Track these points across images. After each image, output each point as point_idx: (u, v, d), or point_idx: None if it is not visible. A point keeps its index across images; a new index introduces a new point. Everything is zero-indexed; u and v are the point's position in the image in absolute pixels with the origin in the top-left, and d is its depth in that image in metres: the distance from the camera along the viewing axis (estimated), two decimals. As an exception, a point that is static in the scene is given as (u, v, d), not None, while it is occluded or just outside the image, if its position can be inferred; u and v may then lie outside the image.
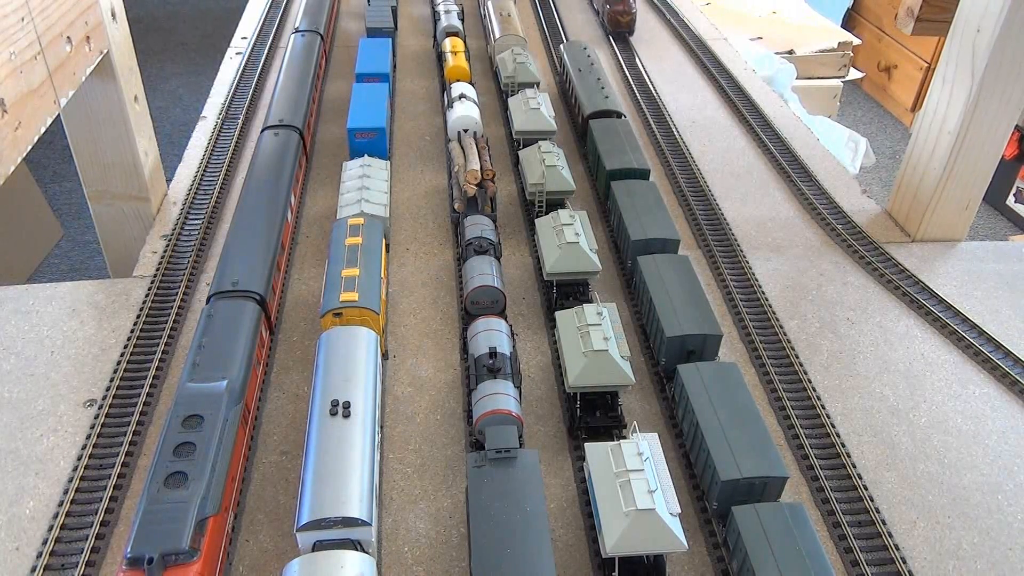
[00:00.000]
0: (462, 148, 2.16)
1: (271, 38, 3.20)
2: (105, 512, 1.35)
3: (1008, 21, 1.80)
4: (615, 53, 3.19)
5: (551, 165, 2.01)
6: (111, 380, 1.61)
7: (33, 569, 1.26)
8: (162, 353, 1.67)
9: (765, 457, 1.30)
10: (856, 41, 4.56)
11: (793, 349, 1.73)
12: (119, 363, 1.65)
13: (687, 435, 1.45)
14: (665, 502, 1.19)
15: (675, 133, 2.60)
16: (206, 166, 2.33)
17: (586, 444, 1.31)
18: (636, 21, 3.35)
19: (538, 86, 2.54)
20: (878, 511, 1.40)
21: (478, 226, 1.86)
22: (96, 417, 1.52)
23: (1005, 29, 1.81)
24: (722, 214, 2.19)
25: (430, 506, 1.40)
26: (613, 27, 3.28)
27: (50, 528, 1.33)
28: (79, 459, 1.44)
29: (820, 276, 1.99)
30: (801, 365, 1.69)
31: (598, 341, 1.45)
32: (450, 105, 2.37)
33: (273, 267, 1.71)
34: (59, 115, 1.89)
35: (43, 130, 1.76)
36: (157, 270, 1.91)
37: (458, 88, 2.41)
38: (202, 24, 7.20)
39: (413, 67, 3.07)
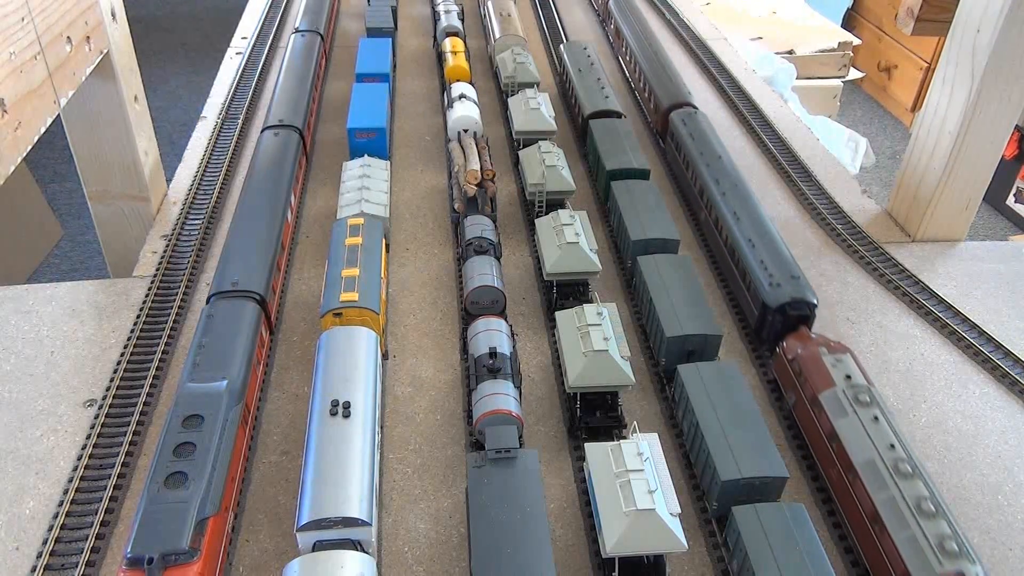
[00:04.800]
0: (462, 148, 2.16)
1: (271, 38, 3.19)
2: (105, 512, 1.35)
3: (1008, 21, 1.80)
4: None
5: (551, 165, 2.01)
6: (111, 380, 1.61)
7: (33, 569, 1.26)
8: (162, 353, 1.67)
9: (765, 457, 1.30)
10: (856, 41, 4.56)
11: (793, 349, 1.73)
12: (119, 363, 1.65)
13: (687, 435, 1.45)
14: (665, 502, 1.19)
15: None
16: (206, 166, 2.33)
17: (586, 444, 1.31)
18: None
19: (538, 86, 2.54)
20: (878, 511, 1.39)
21: (478, 226, 1.86)
22: (96, 417, 1.52)
23: (1005, 29, 1.81)
24: (722, 214, 2.19)
25: (430, 506, 1.40)
26: None
27: (50, 528, 1.33)
28: (79, 459, 1.44)
29: (820, 276, 1.99)
30: (801, 365, 1.69)
31: (598, 341, 1.45)
32: (450, 105, 2.37)
33: (273, 267, 1.71)
34: (59, 115, 1.89)
35: (43, 130, 1.76)
36: (157, 270, 1.91)
37: (458, 88, 2.41)
38: (202, 24, 7.20)
39: (413, 67, 3.07)
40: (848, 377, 1.41)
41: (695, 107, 2.34)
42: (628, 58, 2.89)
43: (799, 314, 1.60)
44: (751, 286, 1.70)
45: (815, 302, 1.60)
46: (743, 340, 1.78)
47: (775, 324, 1.62)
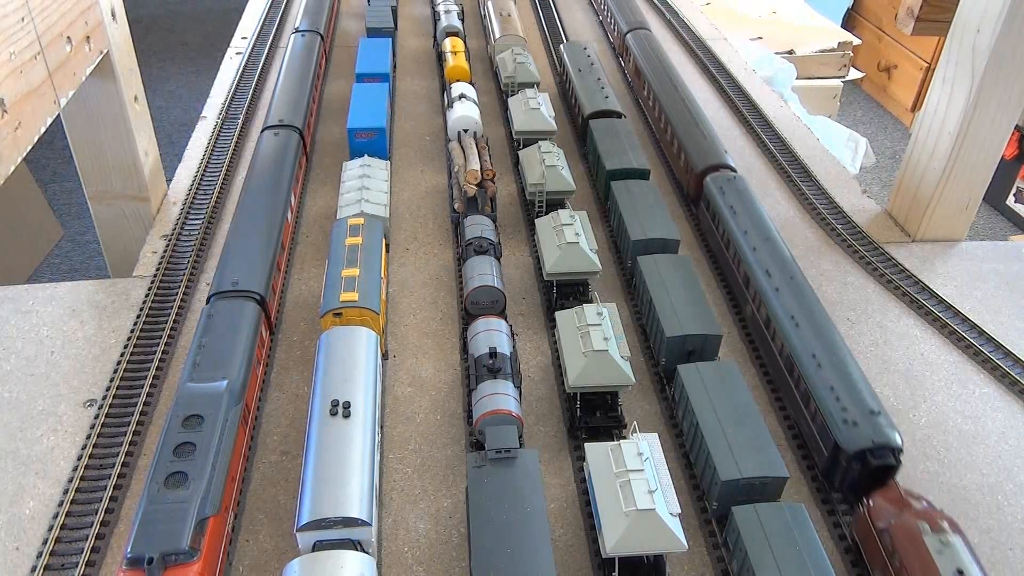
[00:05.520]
0: (462, 148, 2.16)
1: (271, 38, 3.19)
2: (105, 512, 1.35)
3: (1008, 21, 1.80)
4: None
5: (551, 165, 2.01)
6: (111, 380, 1.61)
7: (33, 569, 1.26)
8: (162, 353, 1.67)
9: (765, 457, 1.30)
10: (856, 41, 4.56)
11: (793, 349, 1.73)
12: (119, 363, 1.65)
13: (687, 435, 1.45)
14: (665, 502, 1.19)
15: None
16: (206, 166, 2.33)
17: (586, 444, 1.31)
18: None
19: (538, 86, 2.54)
20: (878, 511, 1.39)
21: (478, 226, 1.86)
22: (96, 417, 1.52)
23: (1005, 29, 1.81)
24: (722, 214, 2.18)
25: (430, 506, 1.40)
26: None
27: (50, 528, 1.33)
28: (79, 459, 1.44)
29: (820, 276, 1.99)
30: (801, 365, 1.69)
31: (598, 341, 1.45)
32: (450, 105, 2.37)
33: (273, 267, 1.71)
34: (59, 115, 1.89)
35: (43, 130, 1.76)
36: (157, 270, 1.91)
37: (458, 88, 2.41)
38: (202, 24, 7.20)
39: (413, 67, 3.07)
40: (960, 573, 1.11)
41: (734, 170, 2.03)
42: (651, 103, 2.54)
43: (883, 463, 1.29)
44: (817, 418, 1.40)
45: (901, 446, 1.31)
46: (743, 340, 1.78)
47: (851, 472, 1.32)
